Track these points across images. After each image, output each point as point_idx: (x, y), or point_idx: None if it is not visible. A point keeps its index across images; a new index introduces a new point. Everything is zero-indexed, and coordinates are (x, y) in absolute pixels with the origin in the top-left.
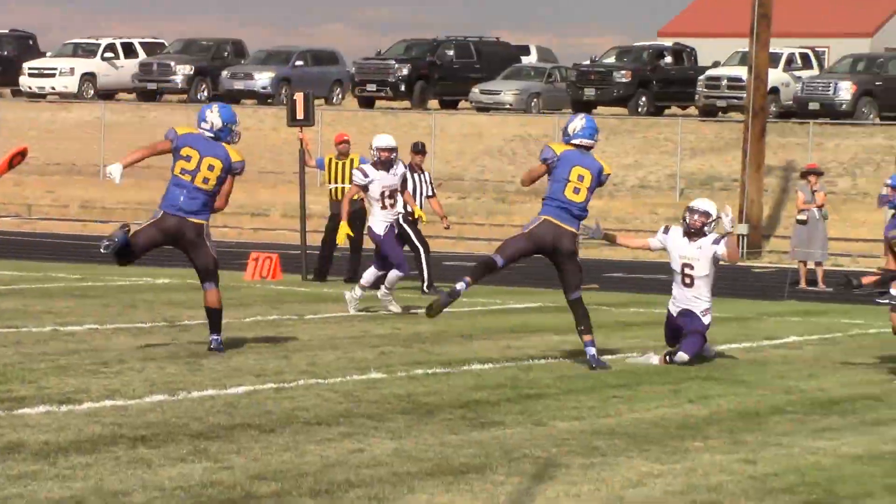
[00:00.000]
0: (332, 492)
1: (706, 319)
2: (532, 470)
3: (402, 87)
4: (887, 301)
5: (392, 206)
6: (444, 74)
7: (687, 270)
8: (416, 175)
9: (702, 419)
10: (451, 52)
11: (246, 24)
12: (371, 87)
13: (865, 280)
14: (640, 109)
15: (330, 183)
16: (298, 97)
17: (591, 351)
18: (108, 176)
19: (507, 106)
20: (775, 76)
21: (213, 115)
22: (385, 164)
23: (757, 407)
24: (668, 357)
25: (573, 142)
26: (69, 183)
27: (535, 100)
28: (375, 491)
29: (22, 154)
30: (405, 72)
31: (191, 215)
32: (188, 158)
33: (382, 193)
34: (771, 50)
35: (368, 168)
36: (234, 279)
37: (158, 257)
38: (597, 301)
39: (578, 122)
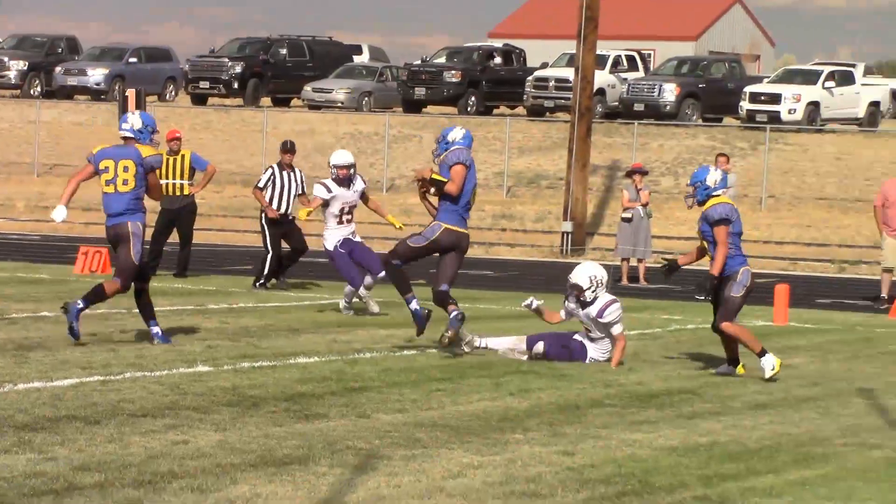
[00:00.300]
0: (155, 482)
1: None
2: (354, 461)
3: (235, 85)
4: (703, 297)
5: (349, 221)
6: (276, 72)
7: (588, 332)
8: (285, 173)
9: (522, 412)
10: (283, 51)
11: (81, 22)
12: (204, 85)
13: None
14: (469, 109)
15: (161, 179)
16: (130, 93)
17: (453, 317)
18: (57, 220)
19: (339, 104)
20: (602, 78)
21: (135, 118)
22: (344, 180)
23: (577, 400)
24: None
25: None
26: None
27: (366, 98)
28: (199, 482)
29: None
30: (238, 70)
31: (119, 217)
32: (106, 170)
33: (342, 210)
34: (598, 52)
35: (331, 183)
36: (63, 273)
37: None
38: (423, 297)
39: (459, 131)
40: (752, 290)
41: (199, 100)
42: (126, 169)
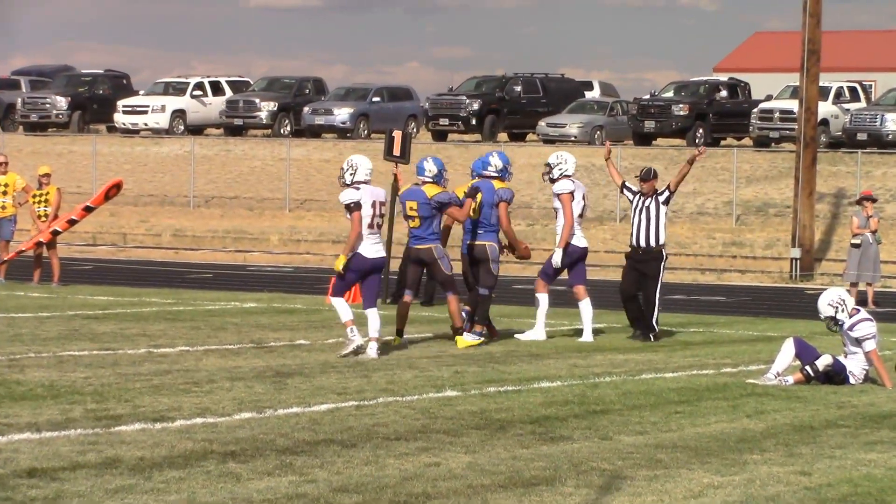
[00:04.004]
0: (410, 503)
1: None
2: (599, 482)
3: (473, 121)
4: None
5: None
6: (512, 109)
7: (843, 347)
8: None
9: (759, 433)
10: (518, 88)
11: (326, 64)
12: (444, 122)
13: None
14: (697, 141)
15: None
16: (397, 135)
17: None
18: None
19: (572, 138)
20: (825, 109)
21: (429, 164)
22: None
23: (811, 421)
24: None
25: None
26: (161, 213)
27: (598, 132)
28: (452, 502)
29: (117, 187)
30: (476, 107)
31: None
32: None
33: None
34: (820, 84)
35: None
36: (316, 303)
37: (247, 282)
38: (660, 321)
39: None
40: None
41: (440, 136)
42: (412, 208)
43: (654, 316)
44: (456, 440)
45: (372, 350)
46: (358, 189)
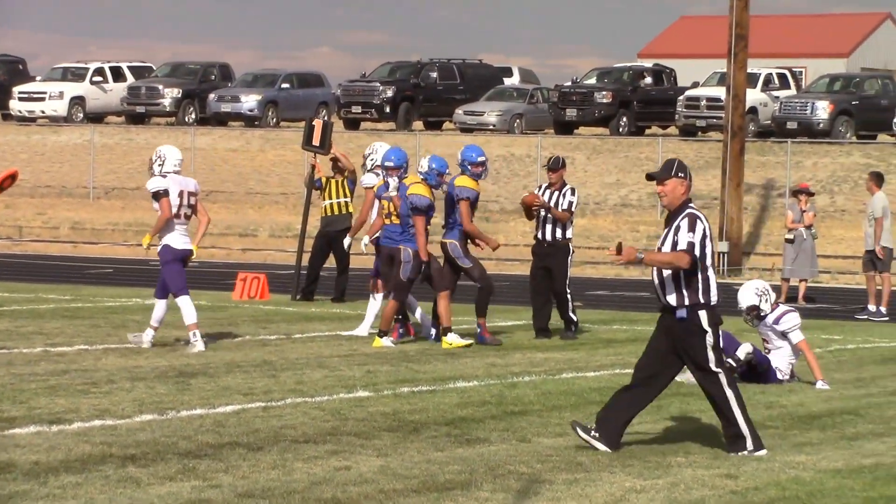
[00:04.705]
0: None
1: None
2: (517, 486)
3: (387, 109)
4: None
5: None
6: (428, 96)
7: (766, 344)
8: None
9: (684, 434)
10: (434, 74)
11: (233, 49)
12: (356, 109)
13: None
14: (621, 129)
15: (324, 200)
16: (317, 124)
17: None
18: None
19: (491, 127)
20: (753, 96)
21: (425, 161)
22: None
23: None
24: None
25: None
26: (60, 205)
27: (517, 121)
28: None
29: (12, 177)
30: (390, 94)
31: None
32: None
33: None
34: (749, 70)
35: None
36: (222, 299)
37: (149, 278)
38: (581, 318)
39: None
40: None
41: (352, 124)
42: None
43: (570, 308)
44: (367, 443)
45: (147, 336)
46: (165, 177)
